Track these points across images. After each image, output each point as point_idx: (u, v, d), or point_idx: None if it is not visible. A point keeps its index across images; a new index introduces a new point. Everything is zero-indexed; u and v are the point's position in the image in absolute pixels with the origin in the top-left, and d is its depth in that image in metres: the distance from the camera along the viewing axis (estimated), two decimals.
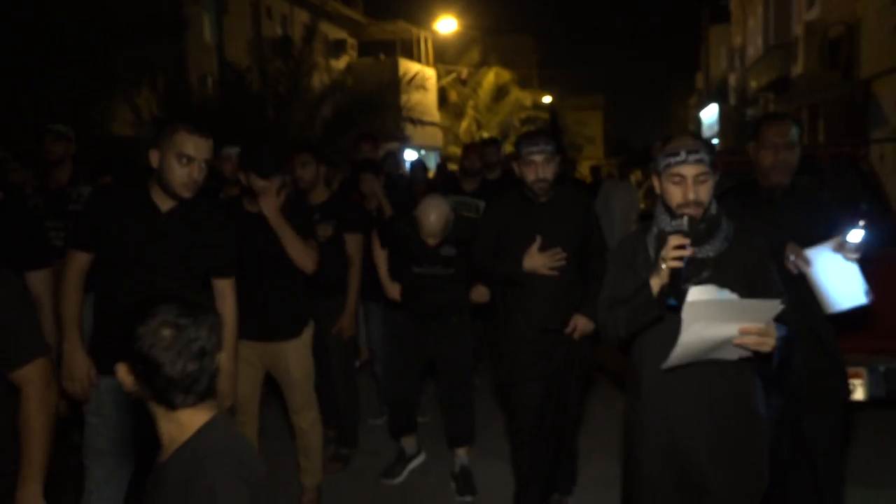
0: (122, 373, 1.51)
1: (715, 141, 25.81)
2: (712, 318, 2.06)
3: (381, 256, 4.08)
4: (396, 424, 4.23)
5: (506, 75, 23.24)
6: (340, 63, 16.36)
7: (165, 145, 2.76)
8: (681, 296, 2.09)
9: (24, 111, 6.82)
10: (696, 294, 2.06)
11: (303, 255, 3.33)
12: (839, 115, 12.96)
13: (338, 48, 17.86)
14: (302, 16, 17.47)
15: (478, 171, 5.54)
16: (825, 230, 2.73)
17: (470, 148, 6.03)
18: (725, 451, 2.23)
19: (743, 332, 2.05)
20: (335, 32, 18.30)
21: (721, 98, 25.48)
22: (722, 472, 2.22)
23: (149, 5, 8.95)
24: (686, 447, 2.24)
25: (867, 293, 2.72)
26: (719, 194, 2.34)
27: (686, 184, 2.19)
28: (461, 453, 3.99)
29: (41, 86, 7.00)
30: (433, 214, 3.60)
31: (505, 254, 3.36)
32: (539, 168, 3.23)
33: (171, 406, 1.50)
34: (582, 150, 28.97)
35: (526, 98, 23.90)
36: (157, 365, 1.47)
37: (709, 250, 2.21)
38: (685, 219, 2.12)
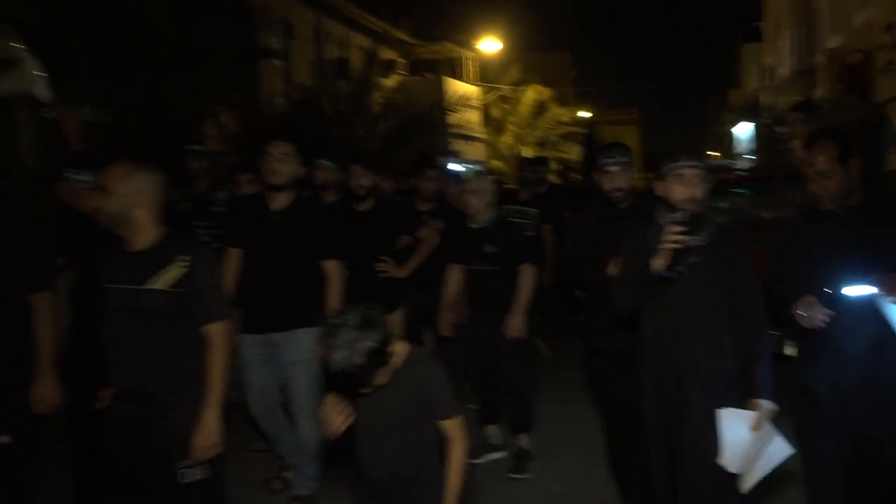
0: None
1: (751, 157, 26.45)
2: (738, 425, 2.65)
3: (453, 276, 4.43)
4: (481, 413, 4.59)
5: (545, 92, 24.23)
6: (391, 81, 17.46)
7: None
8: (677, 271, 2.61)
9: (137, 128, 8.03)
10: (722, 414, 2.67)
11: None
12: (857, 135, 13.85)
13: (388, 68, 19.11)
14: (357, 39, 18.82)
15: (531, 182, 6.44)
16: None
17: (525, 161, 7.13)
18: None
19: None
20: (386, 53, 19.58)
21: (754, 115, 26.11)
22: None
23: (229, 33, 10.22)
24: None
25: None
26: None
27: (686, 182, 2.71)
28: (522, 438, 4.38)
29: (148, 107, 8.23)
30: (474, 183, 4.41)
31: (591, 258, 3.47)
32: (615, 178, 3.44)
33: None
34: None
35: (564, 114, 24.87)
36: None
37: (698, 240, 2.64)
38: (683, 212, 2.62)
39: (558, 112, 24.64)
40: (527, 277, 4.26)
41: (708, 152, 41.97)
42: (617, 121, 38.05)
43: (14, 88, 5.94)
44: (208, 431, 2.64)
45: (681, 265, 2.63)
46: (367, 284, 4.20)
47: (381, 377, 2.23)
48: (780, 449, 2.72)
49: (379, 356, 2.16)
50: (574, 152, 25.91)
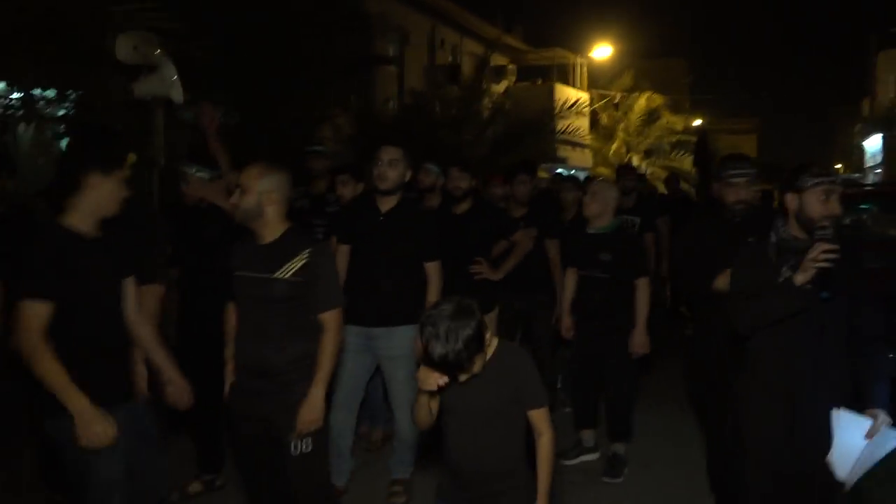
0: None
1: (878, 171, 24.85)
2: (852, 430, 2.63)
3: (571, 280, 4.51)
4: (576, 416, 4.65)
5: (657, 99, 23.67)
6: (500, 87, 17.62)
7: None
8: (830, 290, 2.53)
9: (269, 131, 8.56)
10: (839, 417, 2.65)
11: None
12: None
13: (499, 73, 19.25)
14: (470, 45, 19.05)
15: (630, 190, 6.41)
16: None
17: (626, 169, 7.09)
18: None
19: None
20: (496, 59, 19.74)
21: (887, 127, 24.50)
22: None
23: (349, 41, 10.68)
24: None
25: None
26: None
27: (830, 201, 2.69)
28: (618, 446, 4.43)
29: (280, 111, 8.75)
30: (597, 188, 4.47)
31: (704, 272, 3.40)
32: (739, 190, 3.38)
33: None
34: None
35: (677, 122, 24.19)
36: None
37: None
38: (830, 230, 2.59)
39: (671, 120, 23.99)
40: (644, 292, 4.25)
41: (835, 165, 39.82)
42: (735, 129, 36.54)
43: (153, 91, 6.39)
44: (313, 406, 2.87)
45: (825, 284, 2.57)
46: (463, 286, 4.23)
47: (476, 365, 2.32)
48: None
49: (476, 342, 2.23)
50: (685, 162, 25.18)
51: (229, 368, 3.10)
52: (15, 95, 6.42)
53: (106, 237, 2.77)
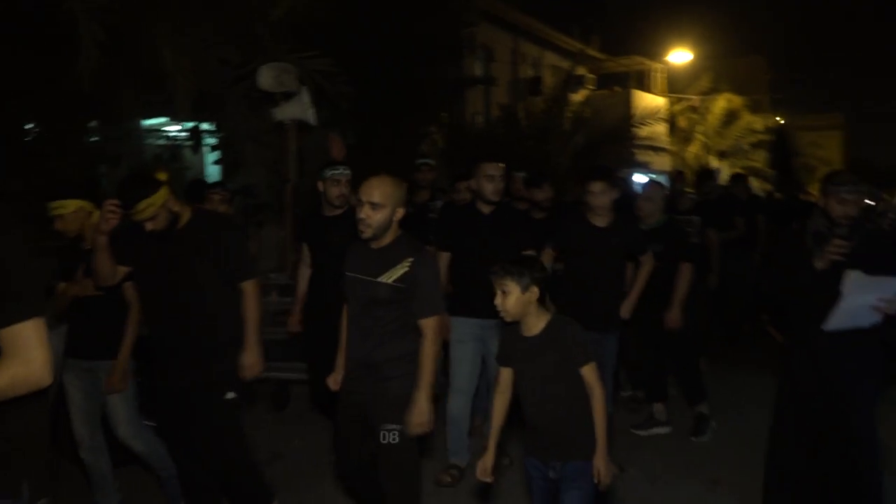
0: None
1: None
2: (862, 289, 3.05)
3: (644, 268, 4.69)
4: (646, 391, 5.24)
5: (737, 100, 23.68)
6: (579, 96, 18.14)
7: (478, 173, 4.29)
8: (841, 276, 3.06)
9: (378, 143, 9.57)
10: (852, 274, 3.09)
11: None
12: None
13: (578, 83, 19.85)
14: (550, 57, 19.86)
15: (681, 192, 7.16)
16: None
17: (678, 174, 7.81)
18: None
19: (880, 300, 3.05)
20: (576, 69, 20.39)
21: None
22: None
23: (445, 64, 11.61)
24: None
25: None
26: None
27: (847, 205, 3.26)
28: (701, 405, 5.09)
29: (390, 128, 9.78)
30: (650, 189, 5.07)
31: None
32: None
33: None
34: (815, 173, 28.23)
35: (757, 122, 24.14)
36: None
37: (849, 246, 3.21)
38: (845, 228, 3.19)
39: (751, 120, 23.96)
40: (684, 275, 4.88)
41: None
42: (817, 126, 35.70)
43: (292, 115, 7.43)
44: (420, 410, 3.04)
45: (839, 267, 3.13)
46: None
47: (532, 322, 2.82)
48: None
49: (536, 282, 2.78)
50: (765, 160, 25.02)
51: (340, 361, 3.34)
52: (181, 126, 7.66)
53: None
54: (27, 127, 6.15)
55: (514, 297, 2.78)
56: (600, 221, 4.34)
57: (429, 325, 3.07)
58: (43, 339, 1.69)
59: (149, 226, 3.28)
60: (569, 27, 20.65)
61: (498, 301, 2.80)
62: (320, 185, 4.48)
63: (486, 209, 4.34)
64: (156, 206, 3.23)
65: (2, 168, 5.75)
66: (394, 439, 3.06)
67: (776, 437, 3.57)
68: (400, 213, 3.10)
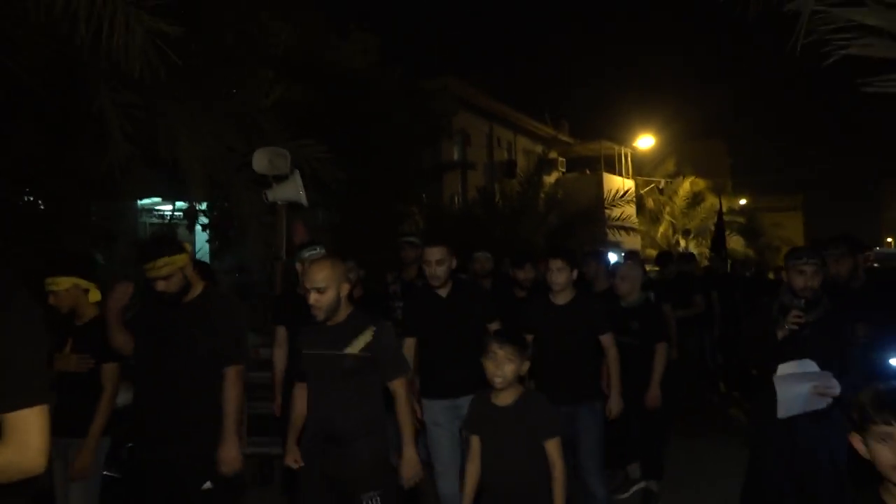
0: None
1: None
2: (793, 380, 3.28)
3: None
4: (618, 456, 5.26)
5: (700, 183, 24.80)
6: (551, 178, 18.70)
7: (423, 258, 4.32)
8: (799, 346, 3.34)
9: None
10: (782, 369, 3.33)
11: None
12: None
13: (549, 165, 20.63)
14: (523, 142, 20.77)
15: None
16: None
17: (633, 254, 8.23)
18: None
19: (816, 388, 3.25)
20: (548, 153, 21.30)
21: None
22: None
23: (426, 151, 12.21)
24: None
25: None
26: None
27: (806, 276, 3.49)
28: (651, 482, 5.17)
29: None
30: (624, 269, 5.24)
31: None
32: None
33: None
34: (779, 252, 29.24)
35: (721, 204, 25.07)
36: None
37: (810, 317, 3.46)
38: (802, 301, 3.45)
39: (714, 202, 24.95)
40: (660, 354, 4.97)
41: (887, 239, 39.62)
42: (779, 207, 37.15)
43: (284, 196, 7.73)
44: (411, 463, 3.20)
45: (798, 337, 3.44)
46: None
47: (508, 394, 2.99)
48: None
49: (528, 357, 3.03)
50: (732, 241, 25.92)
51: (292, 440, 3.33)
52: (177, 206, 8.00)
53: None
54: (28, 200, 6.37)
55: (513, 367, 2.94)
56: (560, 299, 4.37)
57: (399, 384, 3.23)
58: (44, 427, 1.62)
59: (161, 285, 3.32)
60: (540, 113, 21.68)
61: (493, 368, 2.96)
62: (298, 266, 4.54)
63: (442, 292, 4.32)
64: (173, 267, 3.30)
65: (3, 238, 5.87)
66: (375, 503, 3.14)
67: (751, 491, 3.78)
68: (346, 288, 3.21)
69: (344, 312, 3.21)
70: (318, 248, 4.57)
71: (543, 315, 4.37)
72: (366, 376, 3.17)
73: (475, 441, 3.08)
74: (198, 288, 3.46)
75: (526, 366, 2.99)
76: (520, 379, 3.01)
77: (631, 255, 8.53)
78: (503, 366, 2.95)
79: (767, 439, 3.68)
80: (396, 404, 3.21)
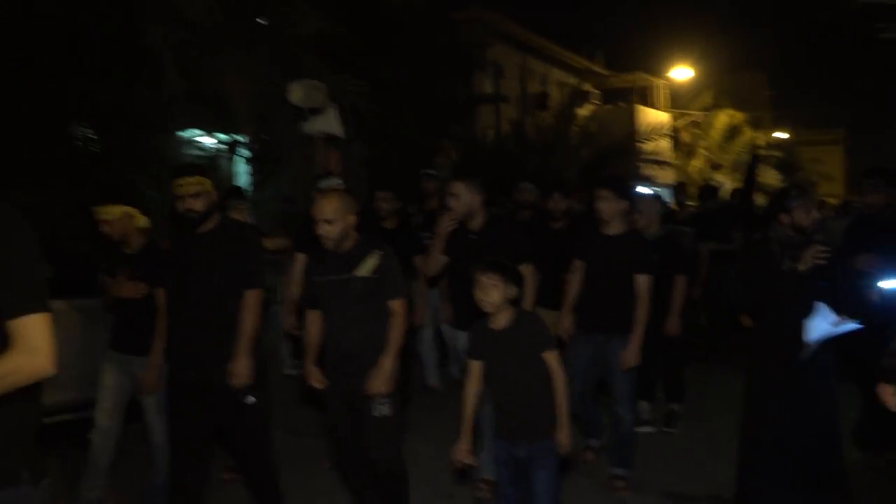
0: None
1: None
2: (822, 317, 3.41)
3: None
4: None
5: (738, 116, 24.29)
6: (585, 111, 18.50)
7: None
8: (818, 278, 3.47)
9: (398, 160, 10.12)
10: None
11: None
12: None
13: (583, 98, 20.36)
14: (556, 74, 20.52)
15: (682, 204, 7.69)
16: None
17: (681, 186, 8.24)
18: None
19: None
20: (582, 85, 21.00)
21: None
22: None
23: (457, 83, 12.17)
24: None
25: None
26: None
27: (812, 212, 3.66)
28: (674, 404, 5.52)
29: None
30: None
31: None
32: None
33: None
34: (816, 188, 28.68)
35: (758, 137, 24.65)
36: None
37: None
38: (821, 234, 3.65)
39: (753, 135, 24.54)
40: (680, 286, 5.18)
41: None
42: (819, 141, 36.12)
43: (321, 129, 7.95)
44: (384, 373, 3.37)
45: (821, 275, 3.51)
46: (554, 292, 4.72)
47: (503, 317, 3.12)
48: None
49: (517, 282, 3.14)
50: (769, 175, 25.52)
51: (311, 363, 3.56)
52: (219, 139, 8.25)
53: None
54: (83, 135, 6.65)
55: (499, 292, 3.08)
56: (609, 230, 4.32)
57: (397, 305, 3.47)
58: (49, 333, 1.72)
59: (188, 202, 3.46)
60: (574, 44, 21.30)
61: (481, 294, 3.09)
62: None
63: (472, 224, 4.22)
64: (202, 188, 3.46)
65: (49, 169, 6.16)
66: (385, 412, 3.38)
67: (750, 419, 3.89)
68: (351, 219, 3.44)
69: (351, 241, 3.46)
70: (336, 180, 4.76)
71: (591, 244, 4.41)
72: (375, 297, 3.42)
73: (475, 366, 3.24)
74: (215, 219, 3.62)
75: (513, 290, 3.10)
76: (512, 302, 3.16)
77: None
78: (489, 291, 3.08)
79: (767, 379, 3.78)
80: (391, 320, 3.44)
